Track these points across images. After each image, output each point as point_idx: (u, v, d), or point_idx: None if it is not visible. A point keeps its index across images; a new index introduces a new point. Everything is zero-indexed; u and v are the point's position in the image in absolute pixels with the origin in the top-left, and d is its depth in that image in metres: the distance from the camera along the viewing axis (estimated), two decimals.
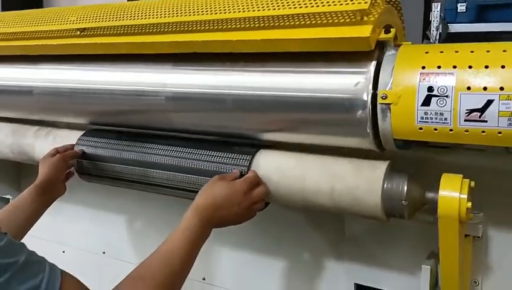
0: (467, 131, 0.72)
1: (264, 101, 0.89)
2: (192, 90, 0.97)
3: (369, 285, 1.20)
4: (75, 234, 1.66)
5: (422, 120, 0.74)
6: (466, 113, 0.72)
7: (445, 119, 0.73)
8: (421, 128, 0.75)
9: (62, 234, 1.68)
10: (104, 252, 1.60)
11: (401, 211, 0.85)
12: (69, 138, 1.24)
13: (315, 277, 1.28)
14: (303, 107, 0.85)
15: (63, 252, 1.67)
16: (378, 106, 0.78)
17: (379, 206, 0.85)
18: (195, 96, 0.97)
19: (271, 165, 0.96)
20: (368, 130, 0.80)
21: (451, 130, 0.73)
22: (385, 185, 0.85)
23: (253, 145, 1.02)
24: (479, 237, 0.93)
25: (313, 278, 1.28)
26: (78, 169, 1.21)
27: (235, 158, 0.99)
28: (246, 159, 0.97)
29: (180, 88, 0.99)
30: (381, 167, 0.87)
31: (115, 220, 1.56)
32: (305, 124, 0.88)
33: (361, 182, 0.86)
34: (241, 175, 0.96)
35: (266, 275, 1.34)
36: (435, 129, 0.74)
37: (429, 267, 0.99)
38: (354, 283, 1.22)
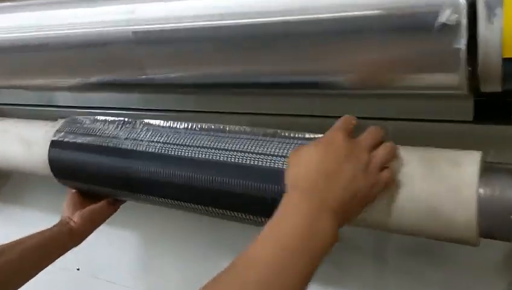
0: None
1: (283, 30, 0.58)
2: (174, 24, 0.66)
3: None
4: None
5: None
6: None
7: None
8: None
9: None
10: (78, 269, 1.36)
11: (507, 230, 0.52)
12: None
13: None
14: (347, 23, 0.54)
15: None
16: (480, 3, 0.46)
17: (473, 225, 0.52)
18: (182, 31, 0.65)
19: None
20: (460, 46, 0.47)
21: None
22: (481, 192, 0.52)
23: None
24: None
25: None
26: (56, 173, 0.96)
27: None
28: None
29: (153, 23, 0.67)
30: (471, 161, 0.53)
31: None
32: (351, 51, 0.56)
33: (440, 187, 0.54)
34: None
35: None
36: None
37: None
38: None
